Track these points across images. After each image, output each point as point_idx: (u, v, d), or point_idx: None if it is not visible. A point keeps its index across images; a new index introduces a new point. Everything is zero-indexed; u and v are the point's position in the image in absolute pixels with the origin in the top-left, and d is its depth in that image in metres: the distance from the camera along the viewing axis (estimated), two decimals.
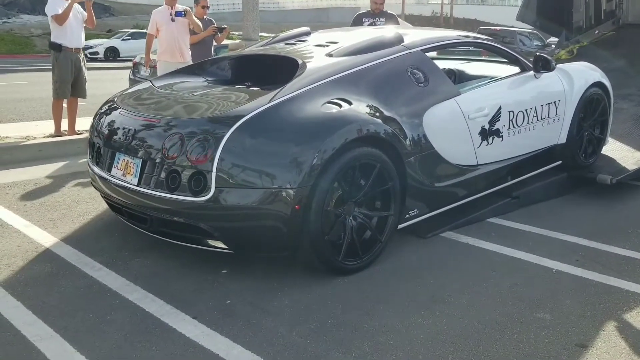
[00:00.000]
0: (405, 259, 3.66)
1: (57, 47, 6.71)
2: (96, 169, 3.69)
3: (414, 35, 4.26)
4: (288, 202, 3.04)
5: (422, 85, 3.86)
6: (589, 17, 9.62)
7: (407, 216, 3.70)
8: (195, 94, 3.84)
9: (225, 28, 7.42)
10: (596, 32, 9.53)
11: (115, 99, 3.98)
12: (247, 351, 2.60)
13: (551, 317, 2.97)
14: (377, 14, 6.71)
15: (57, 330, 2.73)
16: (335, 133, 3.17)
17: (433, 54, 4.72)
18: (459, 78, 4.89)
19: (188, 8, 7.07)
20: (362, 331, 2.80)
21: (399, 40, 4.05)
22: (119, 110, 3.72)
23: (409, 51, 3.98)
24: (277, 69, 3.70)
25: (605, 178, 4.97)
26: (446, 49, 5.04)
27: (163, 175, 3.18)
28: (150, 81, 4.32)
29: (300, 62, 3.77)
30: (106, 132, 3.66)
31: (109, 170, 3.54)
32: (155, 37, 6.97)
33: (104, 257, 3.55)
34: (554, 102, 4.71)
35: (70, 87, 6.76)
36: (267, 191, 3.03)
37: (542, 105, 4.60)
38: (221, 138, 3.04)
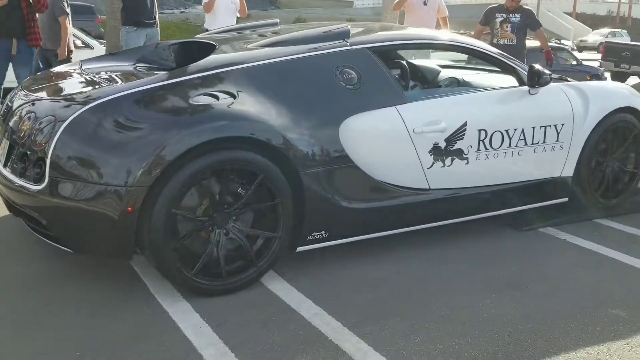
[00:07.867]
0: (492, 248, 3.71)
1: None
2: None
3: (367, 31, 3.82)
4: (118, 203, 2.69)
5: (351, 87, 3.31)
6: None
7: (309, 238, 3.18)
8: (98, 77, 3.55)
9: None
10: None
11: (29, 78, 3.82)
12: (316, 306, 2.90)
13: (626, 315, 2.93)
14: (511, 10, 6.53)
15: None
16: (193, 129, 2.77)
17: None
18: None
19: None
20: (427, 305, 2.96)
21: (343, 35, 3.51)
22: (18, 90, 3.51)
23: (348, 47, 3.44)
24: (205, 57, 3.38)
25: None
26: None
27: (17, 158, 3.00)
28: (80, 62, 3.97)
29: (217, 50, 3.49)
30: (3, 111, 3.47)
31: None
32: None
33: None
34: (554, 125, 3.89)
35: None
36: (96, 187, 2.71)
37: (534, 127, 3.80)
38: (62, 122, 2.79)
